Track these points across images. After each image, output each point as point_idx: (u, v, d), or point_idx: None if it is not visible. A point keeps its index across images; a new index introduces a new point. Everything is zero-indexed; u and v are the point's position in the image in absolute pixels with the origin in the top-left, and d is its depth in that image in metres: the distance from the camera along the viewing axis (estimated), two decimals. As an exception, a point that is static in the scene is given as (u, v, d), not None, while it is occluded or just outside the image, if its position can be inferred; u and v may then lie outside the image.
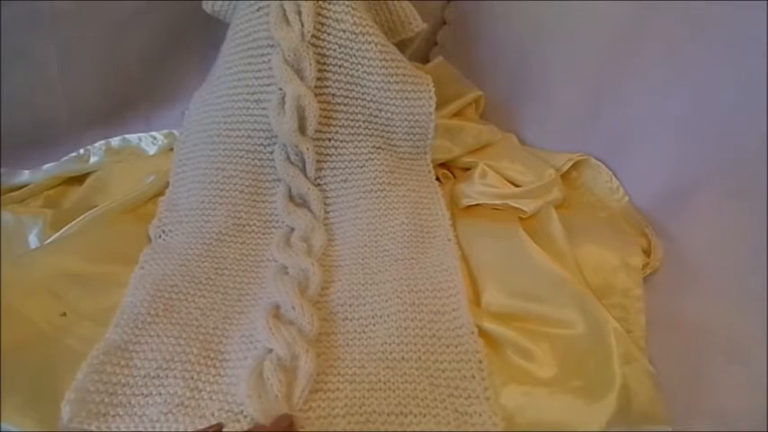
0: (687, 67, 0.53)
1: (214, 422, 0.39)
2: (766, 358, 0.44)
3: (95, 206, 0.56)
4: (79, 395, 0.40)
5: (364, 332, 0.46)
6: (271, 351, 0.42)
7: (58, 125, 0.67)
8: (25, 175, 0.63)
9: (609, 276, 0.52)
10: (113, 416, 0.39)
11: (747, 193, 0.48)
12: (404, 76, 0.57)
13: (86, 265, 0.49)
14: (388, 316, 0.47)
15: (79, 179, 0.64)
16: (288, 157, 0.56)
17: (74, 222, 0.54)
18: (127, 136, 0.68)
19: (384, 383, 0.43)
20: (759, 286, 0.46)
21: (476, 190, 0.61)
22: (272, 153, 0.56)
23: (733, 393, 0.45)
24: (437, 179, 0.64)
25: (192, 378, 0.42)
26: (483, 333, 0.47)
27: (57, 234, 0.53)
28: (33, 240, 0.54)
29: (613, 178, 0.62)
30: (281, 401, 0.39)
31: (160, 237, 0.54)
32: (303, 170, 0.57)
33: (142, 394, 0.41)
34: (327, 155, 0.57)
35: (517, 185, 0.62)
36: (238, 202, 0.56)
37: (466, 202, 0.60)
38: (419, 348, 0.45)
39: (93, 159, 0.66)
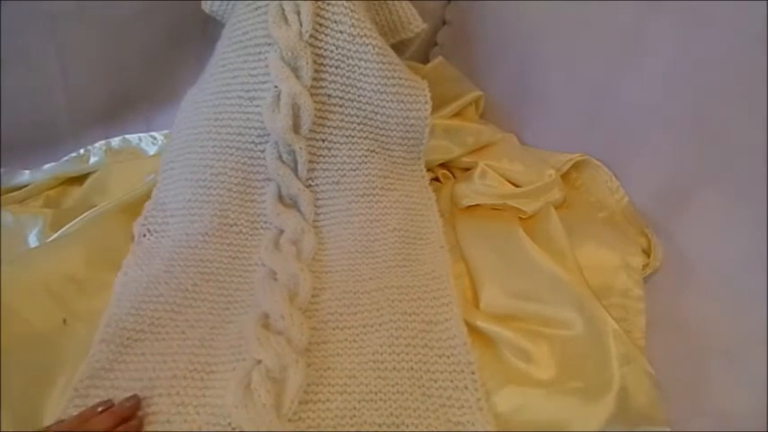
0: (687, 67, 0.52)
1: None
2: (766, 358, 0.44)
3: (95, 206, 0.56)
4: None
5: (356, 341, 0.46)
6: (259, 362, 0.41)
7: (59, 125, 0.67)
8: (25, 175, 0.63)
9: (609, 276, 0.52)
10: None
11: (747, 193, 0.48)
12: (400, 79, 0.57)
13: (84, 265, 0.49)
14: (380, 325, 0.46)
15: (79, 179, 0.64)
16: (280, 156, 0.56)
17: (73, 222, 0.54)
18: (127, 136, 0.68)
19: (376, 394, 0.42)
20: (759, 286, 0.46)
21: (476, 190, 0.61)
22: (263, 151, 0.56)
23: (733, 393, 0.45)
24: (437, 179, 0.64)
25: (178, 394, 0.41)
26: (481, 334, 0.47)
27: (56, 234, 0.53)
28: (33, 240, 0.55)
29: (613, 178, 0.62)
30: (270, 412, 0.39)
31: (145, 236, 0.53)
32: (295, 170, 0.56)
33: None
34: (320, 156, 0.57)
35: (517, 185, 0.62)
36: (226, 201, 0.55)
37: (466, 202, 0.60)
38: (411, 358, 0.44)
39: (93, 159, 0.67)
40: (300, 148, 0.55)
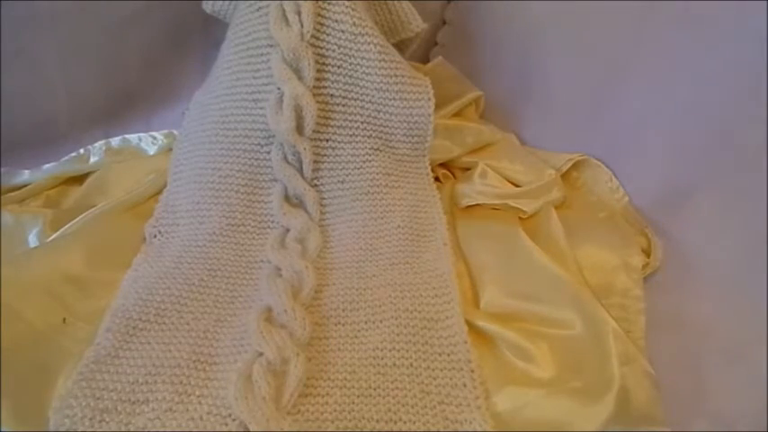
0: (687, 67, 0.52)
1: (202, 426, 0.39)
2: (766, 358, 0.44)
3: (95, 206, 0.56)
4: (66, 402, 0.40)
5: (357, 337, 0.46)
6: (261, 354, 0.42)
7: (58, 125, 0.67)
8: (25, 175, 0.63)
9: (609, 276, 0.52)
10: (99, 421, 0.39)
11: (747, 193, 0.48)
12: (402, 77, 0.57)
13: (84, 265, 0.49)
14: (381, 321, 0.47)
15: (79, 179, 0.64)
16: (285, 157, 0.56)
17: (73, 222, 0.54)
18: (127, 136, 0.68)
19: (374, 389, 0.42)
20: (759, 286, 0.46)
21: (476, 190, 0.61)
22: (269, 153, 0.56)
23: (733, 394, 0.45)
24: (437, 179, 0.64)
25: (182, 383, 0.42)
26: (481, 333, 0.47)
27: (56, 234, 0.53)
28: (33, 240, 0.54)
29: (613, 178, 0.62)
30: (269, 404, 0.39)
31: (155, 237, 0.54)
32: (300, 170, 0.57)
33: (129, 401, 0.40)
34: (325, 155, 0.57)
35: (517, 185, 0.62)
36: (233, 202, 0.55)
37: (466, 202, 0.60)
38: (411, 355, 0.44)
39: (93, 159, 0.66)
40: (305, 149, 0.55)
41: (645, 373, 0.44)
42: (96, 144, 0.67)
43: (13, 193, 0.61)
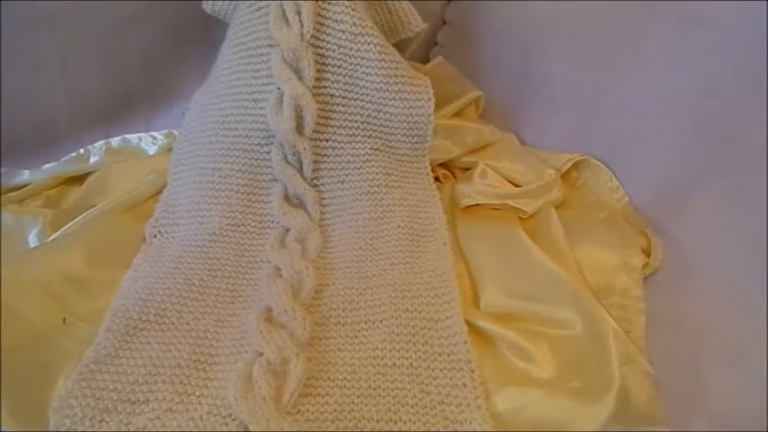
0: (687, 67, 0.52)
1: (202, 426, 0.39)
2: (766, 358, 0.44)
3: (95, 206, 0.56)
4: (66, 402, 0.40)
5: (357, 337, 0.46)
6: (261, 354, 0.42)
7: (58, 125, 0.67)
8: (25, 175, 0.63)
9: (609, 276, 0.52)
10: (99, 421, 0.39)
11: (747, 193, 0.48)
12: (402, 77, 0.57)
13: (84, 265, 0.49)
14: (381, 321, 0.47)
15: (79, 179, 0.64)
16: (285, 157, 0.56)
17: (73, 222, 0.54)
18: (127, 136, 0.68)
19: (375, 389, 0.42)
20: (759, 286, 0.46)
21: (476, 190, 0.61)
22: (269, 153, 0.56)
23: (733, 393, 0.44)
24: (437, 179, 0.64)
25: (182, 383, 0.42)
26: (481, 333, 0.47)
27: (56, 234, 0.53)
28: (33, 240, 0.54)
29: (613, 178, 0.62)
30: (269, 404, 0.39)
31: (155, 237, 0.54)
32: (300, 170, 0.57)
33: (129, 401, 0.40)
34: (325, 155, 0.57)
35: (517, 185, 0.62)
36: (233, 202, 0.56)
37: (466, 202, 0.60)
38: (411, 355, 0.44)
39: (93, 159, 0.66)
40: (305, 149, 0.55)
41: (645, 373, 0.44)
42: (96, 144, 0.67)
43: (13, 193, 0.61)
